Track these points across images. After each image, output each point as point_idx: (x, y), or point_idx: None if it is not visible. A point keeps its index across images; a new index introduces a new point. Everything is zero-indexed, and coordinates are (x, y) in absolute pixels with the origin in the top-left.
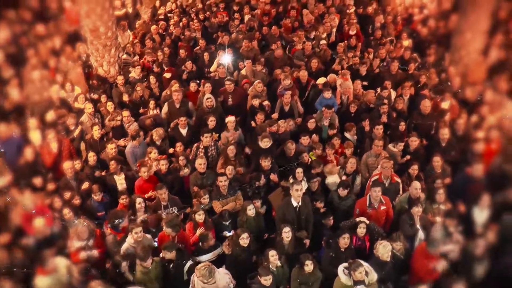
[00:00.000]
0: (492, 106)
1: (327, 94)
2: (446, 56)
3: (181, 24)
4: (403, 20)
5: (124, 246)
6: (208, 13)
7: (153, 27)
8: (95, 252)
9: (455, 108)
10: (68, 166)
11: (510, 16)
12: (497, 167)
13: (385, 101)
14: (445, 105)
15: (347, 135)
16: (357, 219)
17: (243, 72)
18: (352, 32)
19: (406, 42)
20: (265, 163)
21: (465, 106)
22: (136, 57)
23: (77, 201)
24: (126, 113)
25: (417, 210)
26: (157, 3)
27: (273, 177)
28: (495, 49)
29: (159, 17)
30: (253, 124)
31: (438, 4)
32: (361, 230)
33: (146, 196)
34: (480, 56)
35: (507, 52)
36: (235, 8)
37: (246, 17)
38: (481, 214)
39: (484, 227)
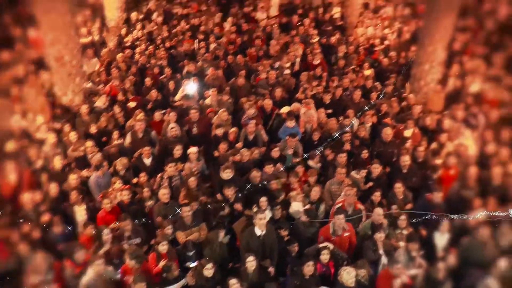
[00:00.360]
0: (450, 133)
1: (290, 123)
2: (407, 86)
3: (147, 52)
4: (365, 50)
5: (85, 279)
6: (174, 40)
7: (119, 55)
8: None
9: (417, 136)
10: (28, 198)
11: (465, 48)
12: (456, 192)
13: (348, 129)
14: (408, 133)
15: (310, 163)
16: (320, 245)
17: (208, 101)
18: (316, 62)
19: (368, 72)
20: (229, 192)
21: (425, 134)
22: (102, 86)
23: (36, 233)
24: (89, 143)
25: (379, 236)
26: (123, 31)
27: (237, 206)
28: (452, 79)
29: (126, 45)
30: (216, 153)
31: (398, 35)
32: (324, 256)
33: (109, 227)
34: (438, 85)
35: (462, 82)
36: (201, 36)
37: (212, 46)
38: (441, 238)
39: (445, 251)
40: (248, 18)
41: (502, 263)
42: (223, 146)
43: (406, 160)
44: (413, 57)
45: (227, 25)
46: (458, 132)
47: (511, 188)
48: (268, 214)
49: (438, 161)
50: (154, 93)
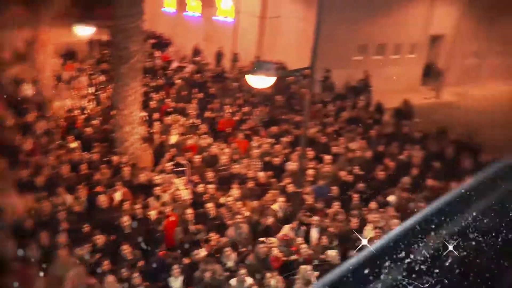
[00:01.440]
0: (163, 185)
1: None
2: (115, 150)
3: None
4: (67, 122)
5: None
6: None
7: None
8: None
9: (128, 195)
10: None
11: (161, 104)
12: (180, 236)
13: (60, 207)
14: (119, 195)
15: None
16: None
17: None
18: (29, 147)
19: (74, 144)
20: None
21: (140, 191)
22: None
23: None
24: None
25: None
26: None
27: None
28: (156, 135)
29: None
30: None
31: (97, 103)
32: None
33: None
34: (144, 143)
35: (166, 136)
36: None
37: None
38: (176, 282)
39: None
40: None
41: (234, 282)
42: None
43: (125, 220)
44: (114, 122)
45: None
46: (170, 182)
47: (225, 217)
48: None
49: (157, 213)
50: None
